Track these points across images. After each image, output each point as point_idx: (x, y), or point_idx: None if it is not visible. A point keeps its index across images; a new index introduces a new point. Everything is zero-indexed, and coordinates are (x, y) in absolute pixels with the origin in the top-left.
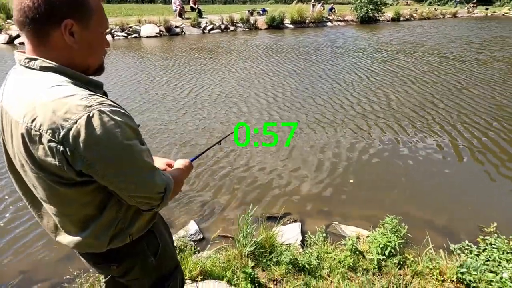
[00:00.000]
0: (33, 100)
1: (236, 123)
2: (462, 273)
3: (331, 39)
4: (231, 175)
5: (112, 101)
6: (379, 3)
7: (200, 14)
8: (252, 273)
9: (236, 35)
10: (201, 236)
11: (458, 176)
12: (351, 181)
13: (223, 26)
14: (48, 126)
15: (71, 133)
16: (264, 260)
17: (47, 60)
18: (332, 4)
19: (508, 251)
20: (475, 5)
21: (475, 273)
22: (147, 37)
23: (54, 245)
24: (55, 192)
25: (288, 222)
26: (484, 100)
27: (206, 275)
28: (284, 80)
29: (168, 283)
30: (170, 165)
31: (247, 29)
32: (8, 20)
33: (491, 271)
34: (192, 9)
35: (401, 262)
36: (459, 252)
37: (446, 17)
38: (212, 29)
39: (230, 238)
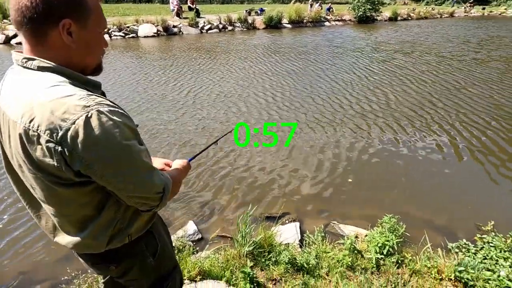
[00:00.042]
0: (31, 100)
1: (235, 123)
2: (460, 272)
3: (329, 38)
4: (230, 175)
5: (111, 101)
6: (376, 2)
7: (198, 13)
8: (251, 273)
9: (234, 35)
10: (199, 236)
11: (456, 175)
12: (349, 180)
13: (221, 26)
14: (46, 126)
15: (69, 133)
16: (263, 260)
17: (45, 60)
18: (330, 3)
19: (505, 250)
20: (472, 4)
21: (473, 271)
22: (144, 37)
23: (53, 246)
24: (53, 192)
25: (287, 221)
26: (482, 99)
27: (205, 275)
28: (283, 80)
29: (167, 283)
30: (168, 165)
31: (245, 29)
32: (5, 20)
33: (488, 270)
34: (190, 8)
35: (399, 261)
36: (456, 250)
37: (443, 16)
38: (210, 28)
39: (229, 238)
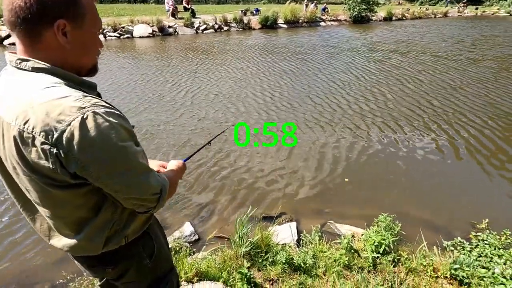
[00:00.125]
0: (26, 101)
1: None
2: (455, 269)
3: (325, 38)
4: (227, 175)
5: (106, 102)
6: (371, 2)
7: (193, 14)
8: (248, 274)
9: (230, 35)
10: (196, 237)
11: (452, 174)
12: (346, 180)
13: (216, 26)
14: (41, 128)
15: (64, 135)
16: (260, 260)
17: (39, 61)
18: (325, 4)
19: (500, 247)
20: (465, 4)
21: (468, 269)
22: (140, 37)
23: (48, 248)
24: (48, 194)
25: (284, 221)
26: (478, 98)
27: (202, 276)
28: (281, 80)
29: (163, 285)
30: (163, 167)
31: (240, 29)
32: None
33: (483, 267)
34: (185, 9)
35: (396, 260)
36: (452, 248)
37: (437, 16)
38: (205, 29)
39: (226, 239)
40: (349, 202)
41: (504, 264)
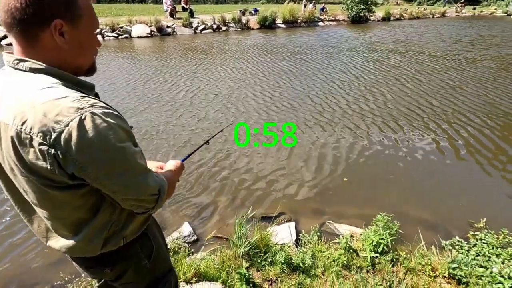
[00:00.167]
0: (23, 102)
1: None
2: (454, 269)
3: (324, 38)
4: (226, 175)
5: (105, 103)
6: (369, 2)
7: (191, 14)
8: (247, 274)
9: (229, 35)
10: (195, 237)
11: (450, 173)
12: (345, 179)
13: (215, 26)
14: (39, 129)
15: (62, 136)
16: (259, 261)
17: (37, 62)
18: (324, 3)
19: (498, 246)
20: (463, 4)
21: (466, 268)
22: (138, 37)
23: (45, 249)
24: (46, 195)
25: (282, 221)
26: (477, 98)
27: (201, 277)
28: (280, 80)
29: (162, 286)
30: (161, 168)
31: (239, 29)
32: None
33: (481, 266)
34: (184, 9)
35: (394, 259)
36: (450, 248)
37: (435, 16)
38: (204, 29)
39: (225, 239)
40: (348, 202)
41: (502, 263)
